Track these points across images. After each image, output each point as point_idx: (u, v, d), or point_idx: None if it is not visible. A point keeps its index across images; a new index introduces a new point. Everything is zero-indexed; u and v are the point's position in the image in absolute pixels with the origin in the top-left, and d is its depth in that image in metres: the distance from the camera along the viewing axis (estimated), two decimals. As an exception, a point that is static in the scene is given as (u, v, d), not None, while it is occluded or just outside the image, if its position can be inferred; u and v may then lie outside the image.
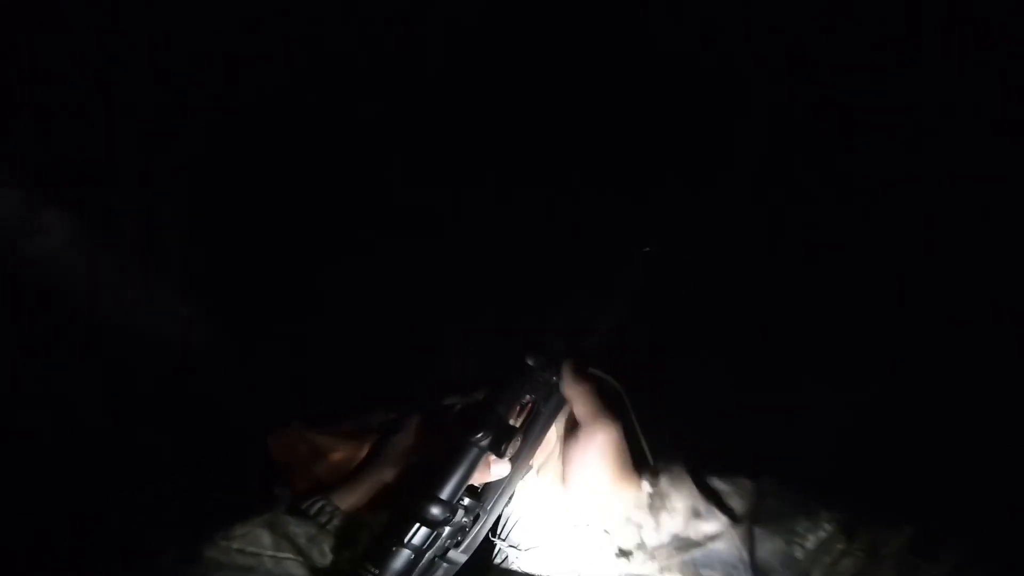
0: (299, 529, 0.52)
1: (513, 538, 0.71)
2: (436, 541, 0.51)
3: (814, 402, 0.70)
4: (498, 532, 0.72)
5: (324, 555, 0.52)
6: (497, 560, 0.71)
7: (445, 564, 0.54)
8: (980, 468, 0.58)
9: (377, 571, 0.49)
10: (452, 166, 0.84)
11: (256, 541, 0.50)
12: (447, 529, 0.52)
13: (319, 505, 0.54)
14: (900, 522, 0.48)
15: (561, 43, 0.81)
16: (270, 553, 0.50)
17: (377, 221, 0.85)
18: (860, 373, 0.70)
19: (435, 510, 0.50)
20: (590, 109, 0.83)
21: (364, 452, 0.70)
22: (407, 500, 0.52)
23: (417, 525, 0.50)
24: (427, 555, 0.51)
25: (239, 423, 0.75)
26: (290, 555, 0.51)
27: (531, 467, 0.63)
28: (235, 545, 0.50)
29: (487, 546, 0.71)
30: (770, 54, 0.77)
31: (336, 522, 0.54)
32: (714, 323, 0.75)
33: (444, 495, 0.52)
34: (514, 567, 0.70)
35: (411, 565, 0.50)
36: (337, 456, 0.70)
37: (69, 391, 0.76)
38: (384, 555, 0.49)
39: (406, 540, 0.50)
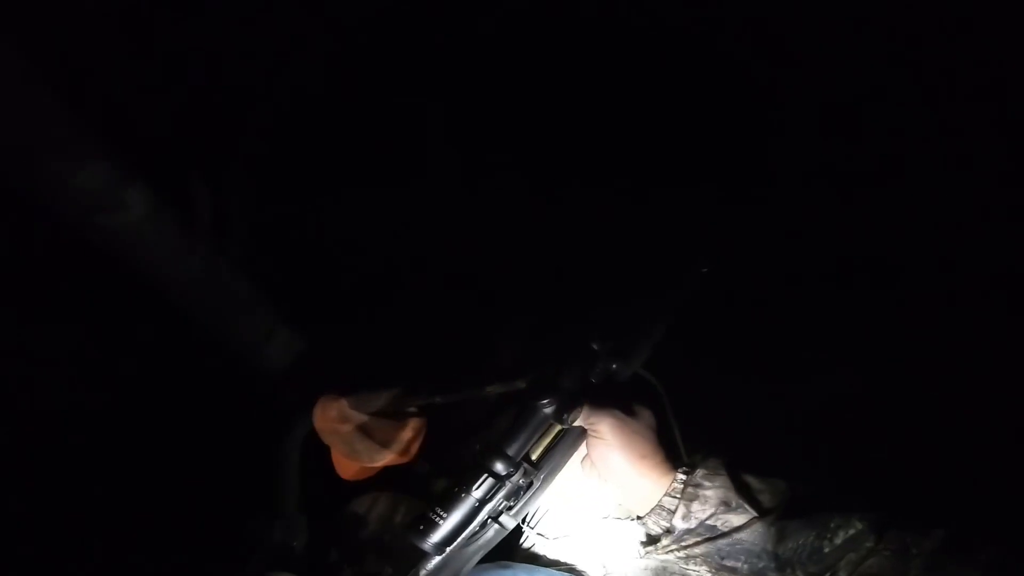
0: None
1: (542, 527, 0.72)
2: (496, 495, 0.54)
3: (851, 403, 0.71)
4: (527, 521, 0.74)
5: None
6: (525, 546, 0.73)
7: (497, 526, 0.57)
8: (1015, 472, 0.58)
9: (444, 515, 0.52)
10: (526, 161, 0.87)
11: None
12: (507, 486, 0.55)
13: None
14: (932, 524, 0.48)
15: (625, 46, 0.84)
16: None
17: (441, 211, 0.88)
18: (897, 376, 0.71)
19: (500, 464, 0.54)
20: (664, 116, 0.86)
21: (404, 432, 0.72)
22: (477, 452, 0.55)
23: (485, 475, 0.53)
24: (486, 509, 0.54)
25: (286, 402, 0.78)
26: None
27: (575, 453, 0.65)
28: None
29: (515, 532, 0.73)
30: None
31: None
32: (754, 325, 0.77)
33: (511, 451, 0.55)
34: (540, 553, 0.72)
35: (473, 513, 0.53)
36: (377, 434, 0.73)
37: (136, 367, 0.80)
38: (452, 499, 0.53)
39: (473, 488, 0.53)
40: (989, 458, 0.61)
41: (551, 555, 0.71)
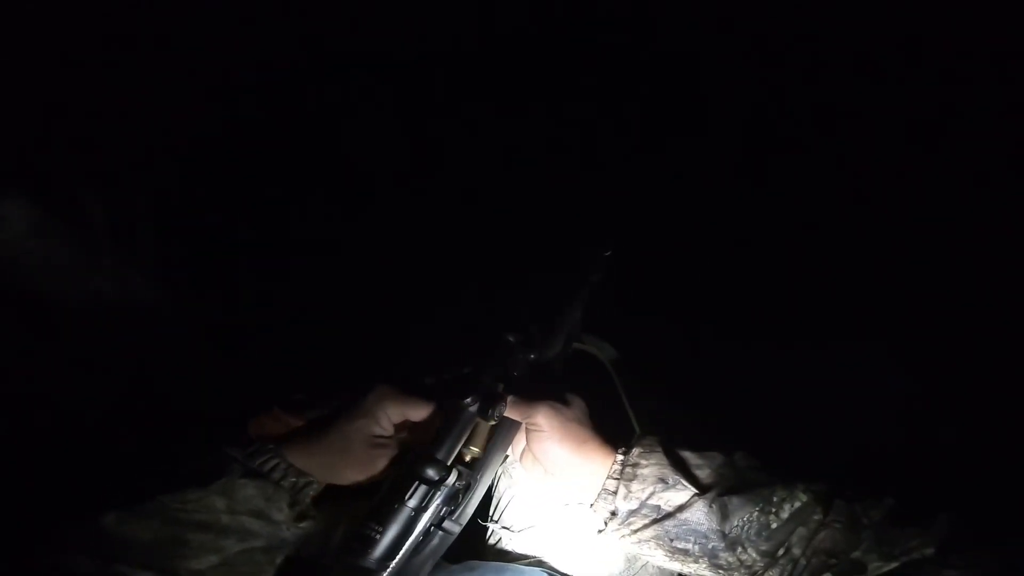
0: (254, 491, 0.52)
1: (506, 520, 0.70)
2: (433, 501, 0.53)
3: (796, 373, 0.70)
4: (491, 515, 0.72)
5: (282, 511, 0.53)
6: (491, 541, 0.71)
7: (441, 533, 0.55)
8: (963, 441, 0.57)
9: (380, 529, 0.50)
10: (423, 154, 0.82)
11: (210, 507, 0.50)
12: (444, 491, 0.54)
13: (272, 463, 0.54)
14: (878, 492, 0.45)
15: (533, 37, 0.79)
16: (226, 513, 0.50)
17: (353, 209, 0.83)
18: (843, 348, 0.70)
19: (431, 470, 0.52)
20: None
21: None
22: (407, 462, 0.53)
23: (417, 483, 0.52)
24: (425, 517, 0.53)
25: (215, 409, 0.74)
26: (245, 515, 0.51)
27: (509, 454, 0.63)
28: (190, 507, 0.49)
29: (482, 529, 0.71)
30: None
31: (291, 478, 0.54)
32: (700, 299, 0.75)
33: (440, 455, 0.54)
34: (508, 548, 0.70)
35: (410, 523, 0.52)
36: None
37: (32, 378, 0.74)
38: (386, 512, 0.51)
39: (406, 498, 0.51)
40: (937, 427, 0.60)
41: (519, 548, 0.69)
